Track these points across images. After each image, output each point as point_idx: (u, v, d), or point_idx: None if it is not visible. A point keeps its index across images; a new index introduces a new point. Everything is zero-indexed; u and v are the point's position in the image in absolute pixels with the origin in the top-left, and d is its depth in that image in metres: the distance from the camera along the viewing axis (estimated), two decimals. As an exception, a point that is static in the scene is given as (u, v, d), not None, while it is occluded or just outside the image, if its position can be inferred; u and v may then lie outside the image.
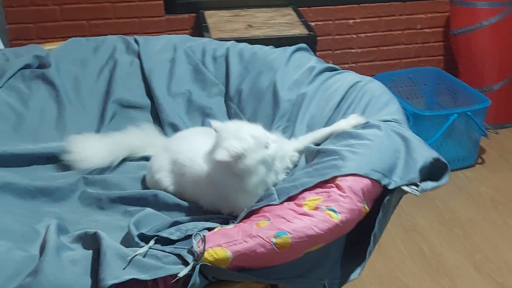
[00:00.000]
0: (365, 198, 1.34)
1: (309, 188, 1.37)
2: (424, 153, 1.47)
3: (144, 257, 1.26)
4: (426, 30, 3.57)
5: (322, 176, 1.39)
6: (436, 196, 2.78)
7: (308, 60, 1.99)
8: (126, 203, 1.73)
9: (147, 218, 1.59)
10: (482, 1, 3.18)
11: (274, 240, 1.23)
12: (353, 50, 3.53)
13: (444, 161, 1.48)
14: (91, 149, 1.85)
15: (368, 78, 1.82)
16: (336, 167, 1.39)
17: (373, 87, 1.76)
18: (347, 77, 1.84)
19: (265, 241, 1.23)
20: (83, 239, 1.40)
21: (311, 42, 2.91)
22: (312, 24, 3.39)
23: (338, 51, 3.51)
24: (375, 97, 1.71)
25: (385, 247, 2.47)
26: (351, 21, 3.46)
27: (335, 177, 1.36)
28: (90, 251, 1.30)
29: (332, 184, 1.36)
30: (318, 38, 3.39)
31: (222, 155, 1.46)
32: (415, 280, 2.30)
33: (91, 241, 1.35)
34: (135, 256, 1.24)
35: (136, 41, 2.26)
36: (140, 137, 1.93)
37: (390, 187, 1.38)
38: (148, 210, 1.62)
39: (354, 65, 3.56)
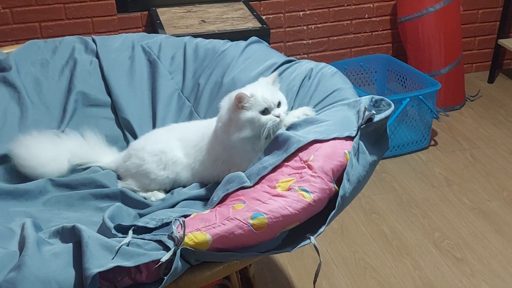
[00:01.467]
0: (334, 177, 1.39)
1: (278, 166, 1.42)
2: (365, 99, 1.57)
3: (128, 246, 1.29)
4: (374, 19, 3.67)
5: (287, 152, 1.45)
6: (393, 179, 2.88)
7: (267, 55, 2.04)
8: (96, 199, 1.76)
9: (120, 211, 1.63)
10: (427, -11, 3.31)
11: (251, 221, 1.28)
12: (304, 41, 3.61)
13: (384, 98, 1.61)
14: (38, 156, 1.86)
15: (322, 64, 1.90)
16: (299, 141, 1.45)
17: (326, 72, 1.84)
18: (303, 66, 1.90)
19: (243, 222, 1.28)
20: (60, 233, 1.42)
21: (264, 34, 2.97)
22: (263, 17, 3.45)
23: (290, 43, 3.58)
24: (328, 81, 1.79)
25: (348, 230, 2.55)
26: (301, 13, 3.53)
27: (299, 149, 1.43)
28: (70, 244, 1.32)
29: (303, 165, 1.41)
30: (271, 31, 3.46)
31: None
32: (378, 260, 2.38)
33: (70, 234, 1.37)
34: (121, 245, 1.27)
35: (94, 41, 2.27)
36: (84, 148, 1.96)
37: (352, 134, 1.47)
38: (119, 204, 1.66)
39: (306, 56, 3.63)
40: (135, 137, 2.05)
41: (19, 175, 1.85)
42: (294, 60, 2.00)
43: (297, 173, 1.39)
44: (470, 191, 2.78)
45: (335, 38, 3.66)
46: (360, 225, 2.58)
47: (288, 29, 3.55)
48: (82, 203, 1.77)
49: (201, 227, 1.28)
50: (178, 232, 1.26)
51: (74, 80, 2.12)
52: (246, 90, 1.62)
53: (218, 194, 1.50)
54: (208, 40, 2.20)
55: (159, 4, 3.33)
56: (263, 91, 1.61)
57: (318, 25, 3.60)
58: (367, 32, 3.70)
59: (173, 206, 1.67)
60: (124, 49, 2.22)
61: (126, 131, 2.08)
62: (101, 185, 1.82)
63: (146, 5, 3.33)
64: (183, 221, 1.27)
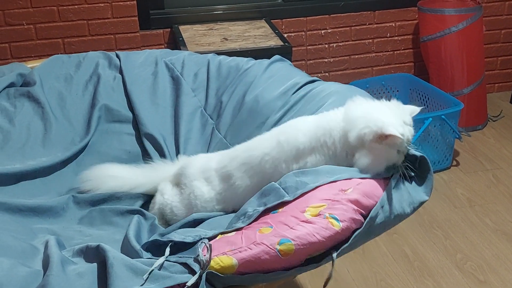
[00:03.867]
0: (366, 213, 1.37)
1: (318, 187, 1.41)
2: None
3: (159, 269, 1.28)
4: (396, 38, 3.66)
5: (334, 177, 1.42)
6: (415, 199, 2.85)
7: (290, 73, 2.03)
8: (117, 215, 1.76)
9: (142, 228, 1.63)
10: (450, 8, 3.29)
11: (278, 247, 1.27)
12: (325, 60, 3.60)
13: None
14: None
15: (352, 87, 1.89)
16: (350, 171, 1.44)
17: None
18: (331, 87, 1.89)
19: (270, 248, 1.26)
20: (85, 252, 1.42)
21: (286, 52, 2.98)
22: (285, 35, 3.45)
23: (311, 61, 3.58)
24: None
25: (369, 250, 2.52)
26: (322, 31, 3.52)
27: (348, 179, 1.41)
28: (95, 264, 1.32)
29: (339, 193, 1.39)
30: (292, 49, 3.46)
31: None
32: (400, 282, 2.35)
33: (94, 254, 1.37)
34: (153, 268, 1.25)
35: (117, 56, 2.28)
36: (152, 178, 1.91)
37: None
38: (138, 219, 1.66)
39: (327, 74, 3.63)
40: (160, 152, 2.05)
41: (40, 192, 1.85)
42: (318, 80, 1.99)
43: (330, 199, 1.37)
44: (493, 212, 2.75)
45: (356, 56, 3.65)
46: (381, 246, 2.55)
47: (309, 47, 3.55)
48: (103, 220, 1.77)
49: (227, 250, 1.27)
50: (204, 255, 1.25)
51: (97, 95, 2.13)
52: (396, 131, 1.42)
53: (252, 206, 1.46)
54: (231, 58, 2.20)
55: (182, 21, 3.34)
56: (405, 131, 1.47)
57: (339, 44, 3.59)
58: (388, 51, 3.69)
59: (198, 223, 1.65)
60: (147, 65, 2.22)
61: (152, 147, 2.07)
62: (122, 202, 1.82)
63: (168, 23, 3.34)
64: (210, 244, 1.26)
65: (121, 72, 2.21)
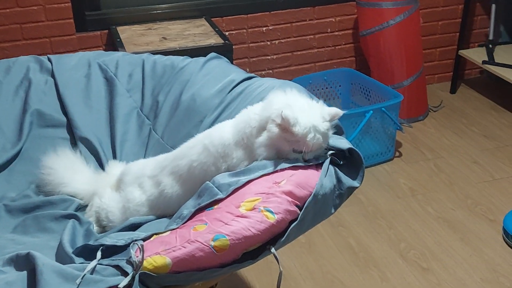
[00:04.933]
0: (300, 204, 1.37)
1: (250, 181, 1.40)
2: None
3: (92, 273, 1.25)
4: (336, 33, 3.68)
5: (264, 171, 1.42)
6: (359, 191, 2.87)
7: (226, 71, 2.02)
8: (51, 221, 1.71)
9: (77, 233, 1.59)
10: (387, 1, 3.33)
11: (212, 243, 1.25)
12: (268, 57, 3.60)
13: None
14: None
15: (287, 82, 1.88)
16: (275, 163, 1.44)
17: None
18: (267, 82, 1.88)
19: (204, 245, 1.25)
20: (15, 261, 1.37)
21: (227, 50, 2.96)
22: (226, 33, 3.44)
23: (254, 59, 3.57)
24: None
25: (315, 243, 2.53)
26: (264, 28, 3.52)
27: (276, 171, 1.40)
28: (25, 272, 1.27)
29: (273, 185, 1.38)
30: (234, 47, 3.45)
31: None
32: (345, 273, 2.37)
33: (25, 262, 1.32)
34: (85, 274, 1.22)
35: (49, 60, 2.22)
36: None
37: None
38: (73, 224, 1.62)
39: (270, 71, 3.63)
40: (96, 156, 2.01)
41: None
42: (255, 77, 1.98)
43: (264, 193, 1.36)
44: (434, 201, 2.80)
45: (299, 53, 3.66)
46: (327, 239, 2.57)
47: (251, 44, 3.54)
48: (38, 227, 1.72)
49: (161, 250, 1.25)
50: (137, 257, 1.23)
51: (29, 100, 2.07)
52: (287, 117, 1.43)
53: (188, 207, 1.45)
54: (167, 57, 2.17)
55: (119, 22, 3.28)
56: (308, 127, 1.45)
57: (281, 40, 3.60)
58: (330, 47, 3.72)
59: (135, 228, 1.62)
60: (80, 67, 2.17)
61: (87, 151, 2.02)
62: (57, 207, 1.77)
63: (105, 24, 3.28)
64: (142, 245, 1.24)
65: (53, 76, 2.15)
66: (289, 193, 1.35)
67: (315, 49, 3.68)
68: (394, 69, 3.41)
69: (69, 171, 1.87)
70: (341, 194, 1.49)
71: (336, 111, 1.48)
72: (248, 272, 2.31)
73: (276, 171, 1.41)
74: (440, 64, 3.99)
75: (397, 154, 3.20)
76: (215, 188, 1.42)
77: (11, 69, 2.18)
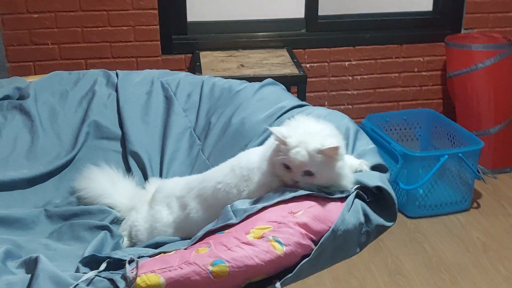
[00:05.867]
0: (316, 238, 1.29)
1: (265, 208, 1.34)
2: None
3: (88, 284, 1.23)
4: (424, 73, 3.54)
5: (281, 197, 1.36)
6: (426, 240, 2.70)
7: (279, 97, 1.97)
8: (85, 230, 1.72)
9: (104, 246, 1.59)
10: (477, 44, 3.17)
11: (210, 268, 1.19)
12: (349, 92, 3.52)
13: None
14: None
15: (337, 113, 1.81)
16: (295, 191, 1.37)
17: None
18: (315, 111, 1.82)
19: (201, 268, 1.19)
20: (27, 263, 1.38)
21: (301, 81, 2.93)
22: (308, 65, 3.39)
23: (333, 93, 3.50)
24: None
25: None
26: (346, 63, 3.45)
27: (294, 199, 1.34)
28: (29, 275, 1.27)
29: (288, 215, 1.31)
30: (314, 79, 3.41)
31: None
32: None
33: (33, 265, 1.32)
34: (77, 284, 1.21)
35: (117, 75, 2.27)
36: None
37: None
38: (104, 235, 1.62)
39: (350, 106, 3.54)
40: (143, 171, 2.01)
41: (16, 203, 1.84)
42: (307, 105, 1.92)
43: (276, 221, 1.29)
44: (507, 259, 2.57)
45: (381, 90, 3.55)
46: (381, 286, 2.42)
47: (332, 78, 3.48)
48: (71, 235, 1.73)
49: (157, 268, 1.20)
50: (132, 272, 1.19)
51: (89, 111, 2.11)
52: (280, 136, 1.44)
53: (204, 230, 1.41)
54: (226, 80, 2.16)
55: (203, 47, 3.33)
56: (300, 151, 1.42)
57: (364, 76, 3.51)
58: (416, 86, 3.57)
59: (159, 246, 1.60)
60: (143, 84, 2.20)
61: (136, 165, 2.03)
62: (94, 217, 1.78)
63: (190, 48, 3.34)
64: (137, 261, 1.20)
65: (116, 90, 2.19)
66: (304, 225, 1.27)
67: (399, 88, 3.55)
68: (481, 115, 3.22)
69: (110, 182, 1.88)
70: (368, 232, 1.38)
71: (331, 146, 1.37)
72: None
73: (295, 200, 1.33)
74: (537, 114, 3.72)
75: (475, 205, 2.99)
76: (231, 212, 1.37)
77: (80, 80, 2.24)
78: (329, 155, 1.36)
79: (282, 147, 1.39)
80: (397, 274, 2.49)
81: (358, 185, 1.41)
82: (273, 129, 1.40)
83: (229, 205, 1.41)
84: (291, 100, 1.95)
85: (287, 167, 1.39)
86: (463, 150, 2.80)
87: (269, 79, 2.10)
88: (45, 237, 1.75)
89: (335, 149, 1.36)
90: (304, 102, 1.94)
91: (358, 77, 3.49)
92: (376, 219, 1.39)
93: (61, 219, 1.80)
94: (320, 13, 3.41)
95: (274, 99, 1.96)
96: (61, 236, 1.75)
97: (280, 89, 2.05)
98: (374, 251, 2.60)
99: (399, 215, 2.86)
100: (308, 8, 3.41)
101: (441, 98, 3.61)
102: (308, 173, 1.38)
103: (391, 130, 3.24)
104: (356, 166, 1.49)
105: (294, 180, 1.39)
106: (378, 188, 1.41)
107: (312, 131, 1.40)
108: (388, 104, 3.58)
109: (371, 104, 3.56)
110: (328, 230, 1.29)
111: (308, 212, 1.30)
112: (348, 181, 1.42)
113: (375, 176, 1.44)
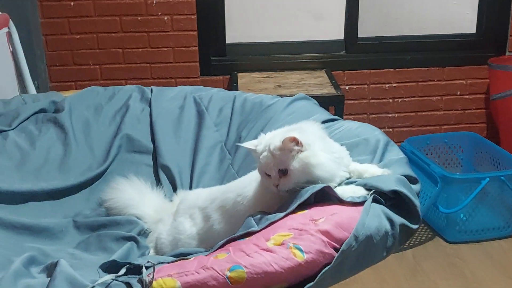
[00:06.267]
0: (338, 245, 1.25)
1: (287, 215, 1.31)
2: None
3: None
4: (467, 96, 3.46)
5: (300, 199, 1.34)
6: (466, 265, 2.60)
7: (310, 111, 1.95)
8: (112, 241, 1.71)
9: (131, 256, 1.58)
10: (521, 65, 3.09)
11: (228, 273, 1.16)
12: (389, 115, 3.46)
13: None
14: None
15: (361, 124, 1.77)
16: (313, 187, 1.35)
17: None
18: (346, 124, 1.79)
19: (218, 273, 1.16)
20: (48, 268, 1.38)
21: (338, 102, 2.90)
22: (347, 87, 3.36)
23: (373, 115, 3.45)
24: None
25: (405, 315, 2.31)
26: (387, 85, 3.40)
27: (314, 205, 1.31)
28: (48, 279, 1.27)
29: (309, 222, 1.28)
30: (353, 101, 3.37)
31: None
32: None
33: (52, 269, 1.32)
34: (93, 286, 1.20)
35: (151, 90, 2.29)
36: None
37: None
38: (130, 246, 1.61)
39: (390, 130, 3.47)
40: (173, 185, 2.01)
41: (46, 214, 1.85)
42: (338, 119, 1.89)
43: (298, 229, 1.26)
44: (552, 288, 2.45)
45: (423, 113, 3.48)
46: (418, 311, 2.33)
47: (372, 100, 3.43)
48: (98, 246, 1.73)
49: (174, 273, 1.18)
50: (148, 276, 1.17)
51: (122, 125, 2.13)
52: (252, 143, 1.52)
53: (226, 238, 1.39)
54: (257, 95, 2.15)
55: (241, 69, 3.34)
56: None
57: (405, 99, 3.45)
58: (459, 110, 3.49)
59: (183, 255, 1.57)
60: (176, 99, 2.22)
61: (166, 178, 2.03)
62: (122, 228, 1.78)
63: (228, 70, 3.35)
64: (153, 265, 1.18)
65: (150, 105, 2.21)
66: (326, 233, 1.23)
67: (442, 111, 3.47)
68: (526, 139, 3.11)
69: (138, 193, 1.88)
70: (394, 234, 1.33)
71: (286, 137, 1.38)
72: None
73: (316, 206, 1.29)
74: None
75: (520, 231, 2.87)
76: (253, 220, 1.34)
77: (115, 95, 2.27)
78: (289, 148, 1.38)
79: (256, 156, 1.44)
80: (434, 299, 2.40)
81: (373, 190, 1.36)
82: (243, 144, 1.49)
83: (251, 214, 1.39)
84: (322, 114, 1.93)
85: (267, 174, 1.42)
86: (505, 173, 2.70)
87: (301, 93, 2.08)
88: (73, 247, 1.76)
89: (291, 139, 1.37)
90: (335, 116, 1.91)
91: (399, 99, 3.44)
92: (399, 219, 1.35)
93: (89, 229, 1.81)
94: (359, 35, 3.38)
95: (305, 113, 1.94)
96: (88, 247, 1.75)
97: (311, 103, 2.03)
98: (411, 275, 2.52)
99: (438, 240, 2.77)
100: (347, 30, 3.38)
101: (484, 122, 3.51)
102: (283, 173, 1.39)
103: (432, 154, 3.16)
104: (377, 175, 1.45)
105: (275, 184, 1.40)
106: (396, 192, 1.37)
107: (278, 132, 1.46)
108: (430, 128, 3.50)
109: (413, 128, 3.49)
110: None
111: (330, 219, 1.26)
112: (326, 171, 1.39)
113: (391, 180, 1.39)
